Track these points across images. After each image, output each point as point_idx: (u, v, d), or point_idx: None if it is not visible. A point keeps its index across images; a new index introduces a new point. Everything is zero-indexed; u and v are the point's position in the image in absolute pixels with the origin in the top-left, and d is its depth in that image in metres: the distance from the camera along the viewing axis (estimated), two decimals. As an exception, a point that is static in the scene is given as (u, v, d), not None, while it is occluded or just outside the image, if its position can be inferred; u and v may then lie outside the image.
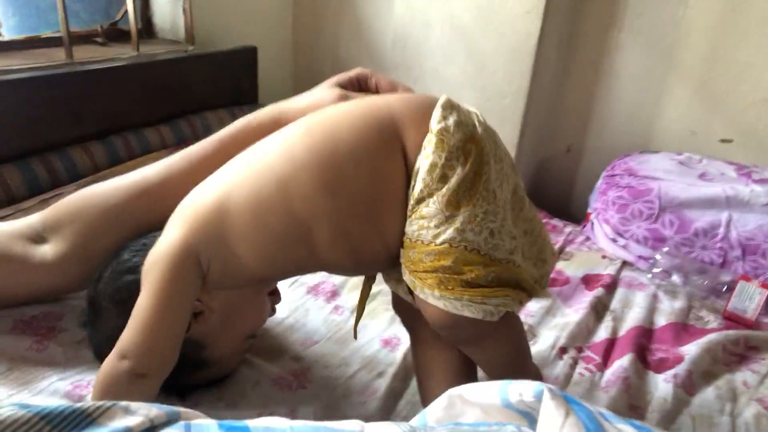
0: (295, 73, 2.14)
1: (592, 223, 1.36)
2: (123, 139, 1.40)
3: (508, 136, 1.55)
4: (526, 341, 0.69)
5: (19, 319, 0.76)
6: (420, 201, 0.57)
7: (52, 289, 0.78)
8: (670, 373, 0.89)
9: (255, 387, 0.75)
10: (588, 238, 1.34)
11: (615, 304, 1.08)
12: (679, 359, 0.92)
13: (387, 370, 0.81)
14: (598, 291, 1.09)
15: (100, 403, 0.38)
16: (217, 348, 0.69)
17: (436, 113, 0.59)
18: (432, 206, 0.56)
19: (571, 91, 1.66)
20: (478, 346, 0.63)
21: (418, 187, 0.57)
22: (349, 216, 0.59)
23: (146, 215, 0.74)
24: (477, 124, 0.60)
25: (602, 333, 0.98)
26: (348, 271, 0.68)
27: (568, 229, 1.37)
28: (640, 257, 1.24)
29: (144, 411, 0.38)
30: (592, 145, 1.68)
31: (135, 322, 0.58)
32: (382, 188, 0.59)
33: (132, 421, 0.37)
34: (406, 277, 0.59)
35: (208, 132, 1.56)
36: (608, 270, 1.19)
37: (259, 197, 0.60)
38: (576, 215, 1.65)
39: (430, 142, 0.57)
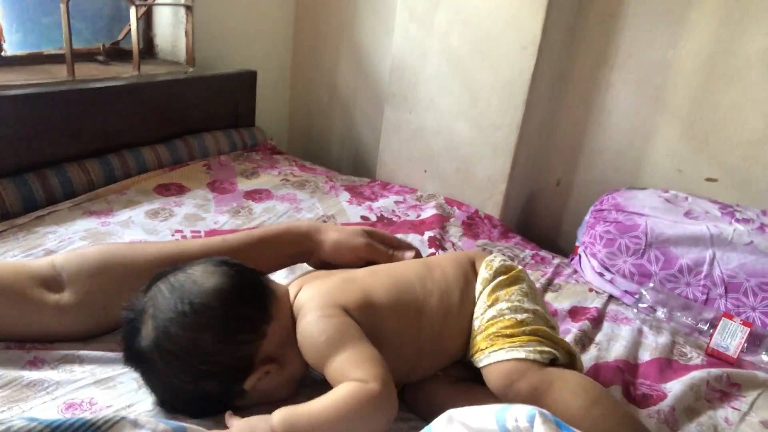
0: (292, 98, 2.17)
1: (580, 257, 1.38)
2: (120, 157, 1.41)
3: (500, 168, 1.58)
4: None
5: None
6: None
7: (61, 334, 0.78)
8: (654, 409, 0.90)
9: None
10: (576, 271, 1.36)
11: (600, 337, 1.09)
12: (663, 396, 0.93)
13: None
14: (584, 324, 1.10)
15: (109, 416, 0.39)
16: (257, 394, 0.69)
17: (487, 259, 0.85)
18: (480, 302, 0.79)
19: (563, 125, 1.70)
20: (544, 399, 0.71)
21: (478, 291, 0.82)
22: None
23: None
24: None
25: (587, 364, 0.99)
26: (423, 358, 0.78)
27: (556, 261, 1.39)
28: (626, 292, 1.26)
29: (151, 426, 0.39)
30: (581, 179, 1.71)
31: (359, 358, 0.64)
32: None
33: None
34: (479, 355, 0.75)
35: (204, 153, 1.60)
36: (595, 303, 1.21)
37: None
38: (564, 248, 1.67)
39: (482, 269, 0.83)
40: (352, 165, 2.08)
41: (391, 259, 0.92)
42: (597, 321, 1.14)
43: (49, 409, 0.67)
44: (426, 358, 0.77)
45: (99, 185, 1.33)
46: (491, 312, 0.76)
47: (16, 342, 0.76)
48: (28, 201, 1.20)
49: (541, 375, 0.71)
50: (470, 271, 0.83)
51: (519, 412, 0.42)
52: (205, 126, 1.68)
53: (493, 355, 0.73)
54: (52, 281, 0.77)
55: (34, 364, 0.74)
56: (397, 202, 1.57)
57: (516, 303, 0.77)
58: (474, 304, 0.80)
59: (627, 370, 1.00)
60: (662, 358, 1.05)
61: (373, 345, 0.68)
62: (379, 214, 1.46)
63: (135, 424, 0.39)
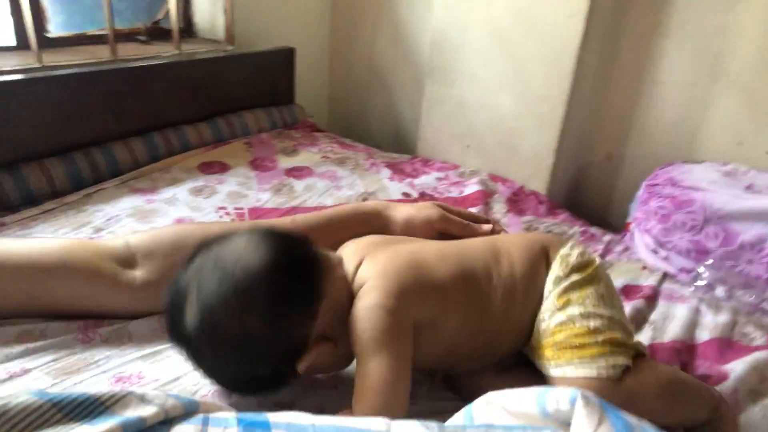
0: (331, 75, 2.14)
1: (632, 233, 1.33)
2: (163, 136, 1.42)
3: (546, 142, 1.53)
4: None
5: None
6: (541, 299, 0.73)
7: (131, 311, 0.80)
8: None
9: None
10: (627, 248, 1.31)
11: (655, 316, 1.04)
12: (724, 376, 0.89)
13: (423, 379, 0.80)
14: (639, 302, 1.06)
15: (115, 390, 0.37)
16: (312, 371, 0.68)
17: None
18: (547, 302, 0.72)
19: (612, 97, 1.62)
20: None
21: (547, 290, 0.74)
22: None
23: None
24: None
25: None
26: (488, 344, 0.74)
27: (607, 237, 1.34)
28: (681, 269, 1.20)
29: (159, 401, 0.37)
30: (632, 153, 1.64)
31: (380, 379, 0.60)
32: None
33: (146, 411, 0.36)
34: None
35: (245, 131, 1.60)
36: (649, 281, 1.16)
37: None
38: (614, 224, 1.62)
39: (555, 263, 0.75)
40: (393, 141, 2.05)
41: (465, 230, 0.88)
42: (651, 299, 1.09)
43: (99, 383, 0.68)
44: (478, 353, 0.73)
45: (143, 163, 1.35)
46: (560, 316, 0.70)
47: (69, 318, 0.77)
48: (75, 179, 1.22)
49: (616, 394, 0.65)
50: (541, 261, 0.75)
51: (560, 395, 0.40)
52: (245, 104, 1.67)
53: (561, 369, 0.68)
54: (126, 260, 0.78)
55: (85, 338, 0.75)
56: (438, 179, 1.54)
57: (590, 308, 0.70)
58: (540, 299, 0.73)
59: (684, 350, 0.95)
60: (722, 338, 1.00)
61: (429, 335, 0.66)
62: (420, 191, 1.44)
63: (142, 398, 0.37)
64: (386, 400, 0.58)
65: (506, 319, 0.72)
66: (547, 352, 0.69)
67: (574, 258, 0.74)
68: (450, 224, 0.87)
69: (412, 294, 0.66)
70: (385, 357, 0.60)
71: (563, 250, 0.76)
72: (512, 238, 0.77)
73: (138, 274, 0.78)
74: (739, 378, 0.88)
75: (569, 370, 0.67)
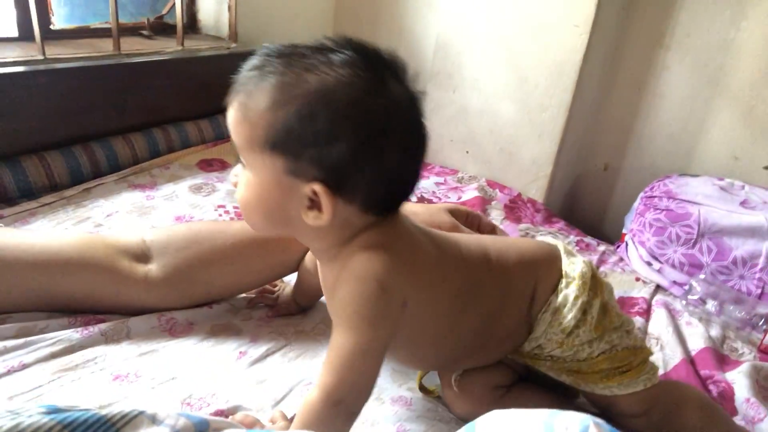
0: (332, 74, 2.14)
1: (627, 244, 1.34)
2: (164, 131, 1.42)
3: (546, 150, 1.54)
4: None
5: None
6: (571, 333, 0.68)
7: (145, 305, 0.81)
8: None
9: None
10: (622, 259, 1.32)
11: (655, 331, 1.05)
12: (730, 391, 0.90)
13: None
14: (635, 320, 1.06)
15: (126, 411, 0.37)
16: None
17: (565, 262, 0.71)
18: (583, 334, 0.68)
19: (613, 108, 1.63)
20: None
21: (568, 322, 0.68)
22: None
23: (258, 261, 0.83)
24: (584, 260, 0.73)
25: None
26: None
27: (602, 248, 1.35)
28: (674, 282, 1.22)
29: (171, 421, 0.37)
30: (630, 164, 1.65)
31: (351, 352, 0.56)
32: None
33: None
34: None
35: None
36: (642, 293, 1.17)
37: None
38: (610, 235, 1.63)
39: (572, 285, 0.69)
40: (392, 144, 2.05)
41: None
42: (648, 314, 1.10)
43: (97, 380, 0.69)
44: (466, 352, 0.71)
45: (143, 159, 1.35)
46: (603, 345, 0.68)
47: (71, 314, 0.78)
48: (75, 173, 1.22)
49: (664, 403, 0.72)
50: (531, 282, 0.70)
51: (571, 421, 0.39)
52: (246, 102, 1.67)
53: (609, 389, 0.70)
54: (141, 254, 0.79)
55: (86, 334, 0.75)
56: (437, 183, 1.55)
57: (618, 322, 0.70)
58: (533, 304, 0.69)
59: (688, 363, 0.96)
60: (715, 349, 1.01)
61: (416, 314, 0.61)
62: (419, 195, 1.44)
63: (153, 419, 0.36)
64: (354, 376, 0.56)
65: (494, 320, 0.68)
66: (592, 377, 0.70)
67: (587, 274, 0.69)
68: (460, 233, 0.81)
69: (408, 273, 0.59)
70: (364, 333, 0.56)
71: (576, 268, 0.70)
72: (504, 246, 0.71)
73: (152, 268, 0.79)
74: (744, 387, 0.89)
75: (617, 389, 0.69)
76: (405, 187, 0.58)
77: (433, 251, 0.63)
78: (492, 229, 0.88)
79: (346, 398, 0.56)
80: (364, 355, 0.56)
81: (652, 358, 0.73)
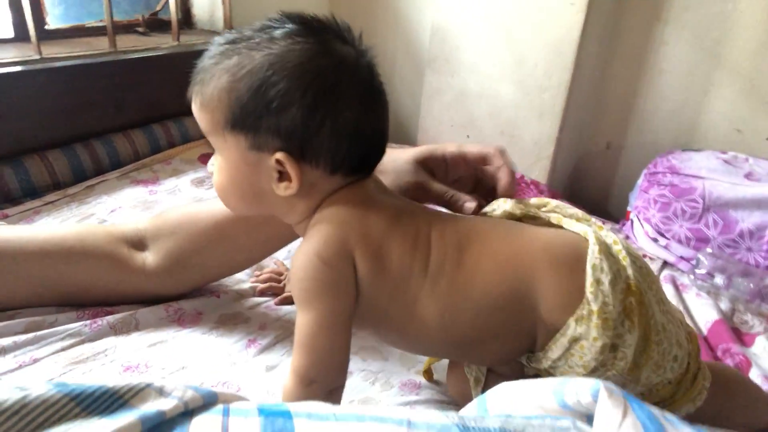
0: (330, 65, 2.13)
1: (632, 222, 1.33)
2: (163, 127, 1.42)
3: (547, 131, 1.53)
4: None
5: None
6: (595, 370, 0.55)
7: (145, 292, 0.81)
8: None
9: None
10: (627, 237, 1.32)
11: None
12: (747, 363, 0.89)
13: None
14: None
15: (134, 383, 0.36)
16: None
17: (589, 281, 0.53)
18: (613, 377, 0.55)
19: (613, 86, 1.62)
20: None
21: (588, 362, 0.55)
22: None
23: (244, 238, 0.80)
24: (626, 264, 0.55)
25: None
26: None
27: (607, 226, 1.34)
28: (681, 258, 1.21)
29: (179, 393, 0.36)
30: (632, 141, 1.65)
31: (312, 333, 0.55)
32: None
33: (166, 404, 0.36)
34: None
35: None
36: (649, 269, 1.17)
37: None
38: (614, 213, 1.62)
39: (591, 322, 0.53)
40: (393, 132, 2.02)
41: (447, 204, 0.68)
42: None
43: (108, 372, 0.69)
44: (451, 346, 0.62)
45: (144, 155, 1.35)
46: (639, 388, 0.58)
47: (79, 307, 0.78)
48: (77, 171, 1.22)
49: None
50: (522, 289, 0.56)
51: (581, 387, 0.38)
52: (245, 95, 1.67)
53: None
54: (138, 242, 0.80)
55: (95, 327, 0.75)
56: (439, 169, 1.54)
57: (668, 360, 0.58)
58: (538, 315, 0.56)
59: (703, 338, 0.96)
60: (726, 321, 1.01)
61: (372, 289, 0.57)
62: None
63: (161, 391, 0.36)
64: (320, 354, 0.55)
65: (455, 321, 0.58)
66: (652, 400, 0.61)
67: (614, 307, 0.54)
68: (428, 198, 0.69)
69: (356, 243, 0.56)
70: (317, 309, 0.55)
71: (595, 301, 0.53)
72: (502, 229, 0.61)
73: (148, 255, 0.79)
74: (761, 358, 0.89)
75: (675, 408, 0.62)
76: (368, 143, 0.57)
77: (385, 225, 0.57)
78: (509, 193, 0.68)
79: (317, 377, 0.55)
80: (325, 331, 0.55)
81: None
